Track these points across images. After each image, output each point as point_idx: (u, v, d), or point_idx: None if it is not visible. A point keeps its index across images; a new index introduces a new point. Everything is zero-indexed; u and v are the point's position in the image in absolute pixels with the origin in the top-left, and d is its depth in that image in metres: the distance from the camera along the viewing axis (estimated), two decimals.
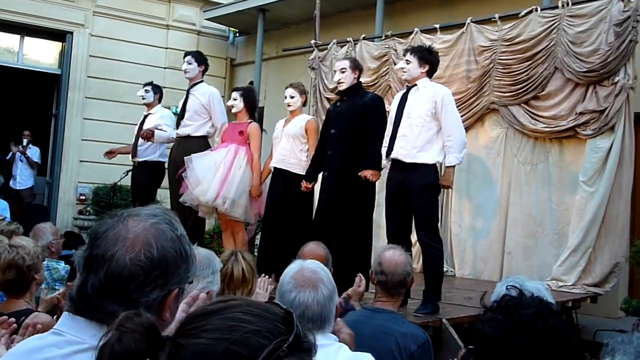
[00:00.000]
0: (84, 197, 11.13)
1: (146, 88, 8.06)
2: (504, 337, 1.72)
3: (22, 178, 11.42)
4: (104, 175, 10.72)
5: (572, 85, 7.10)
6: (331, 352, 2.38)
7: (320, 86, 9.62)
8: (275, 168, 6.37)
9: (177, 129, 7.08)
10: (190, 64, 7.03)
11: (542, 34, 7.26)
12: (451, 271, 7.89)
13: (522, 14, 7.47)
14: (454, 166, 5.14)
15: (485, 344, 1.76)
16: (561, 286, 6.77)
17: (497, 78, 7.66)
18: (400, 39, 8.67)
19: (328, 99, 9.47)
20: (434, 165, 5.12)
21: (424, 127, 5.06)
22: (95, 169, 11.06)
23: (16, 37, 11.22)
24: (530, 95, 7.39)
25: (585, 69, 6.89)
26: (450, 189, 5.08)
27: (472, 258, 7.89)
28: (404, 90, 5.38)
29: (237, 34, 12.73)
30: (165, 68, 11.86)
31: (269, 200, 6.38)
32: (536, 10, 7.36)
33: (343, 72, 5.67)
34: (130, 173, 8.12)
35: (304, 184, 5.94)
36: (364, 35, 9.12)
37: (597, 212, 6.78)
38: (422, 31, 8.43)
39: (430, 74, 5.27)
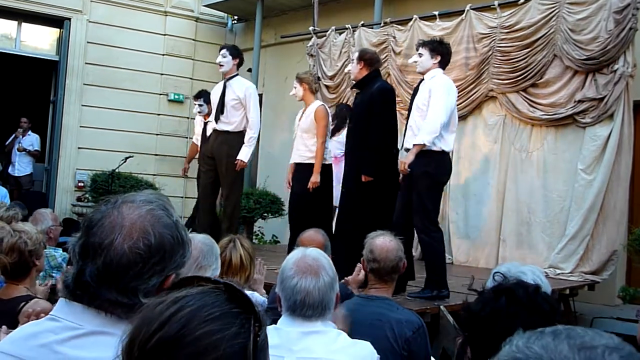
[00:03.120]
0: (82, 184, 11.11)
1: (199, 102, 8.32)
2: (487, 306, 1.76)
3: (21, 165, 11.40)
4: (102, 162, 10.71)
5: (571, 73, 7.10)
6: (330, 338, 2.39)
7: (318, 73, 9.59)
8: (295, 164, 6.60)
9: (216, 121, 7.14)
10: (225, 57, 7.06)
11: (541, 21, 7.24)
12: (449, 258, 7.90)
13: (522, 1, 7.44)
14: (417, 146, 5.04)
15: (472, 318, 1.80)
16: (559, 274, 6.80)
17: (496, 65, 7.65)
18: (399, 26, 8.65)
19: (327, 86, 9.46)
20: (439, 152, 5.10)
21: (422, 116, 5.13)
22: (94, 156, 11.06)
23: (14, 24, 11.16)
24: (529, 82, 7.39)
25: (585, 57, 6.88)
26: (404, 170, 5.07)
27: (470, 245, 7.91)
28: (417, 84, 5.45)
29: (236, 21, 12.68)
30: (163, 55, 11.82)
31: (291, 193, 6.62)
32: None
33: (352, 63, 5.76)
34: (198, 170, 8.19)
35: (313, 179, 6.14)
36: (362, 22, 9.08)
37: (596, 200, 6.80)
38: (421, 18, 8.40)
39: (442, 64, 5.30)
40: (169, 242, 1.41)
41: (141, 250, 1.37)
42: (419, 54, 5.31)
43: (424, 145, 5.01)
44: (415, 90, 5.39)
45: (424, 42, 5.44)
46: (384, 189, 5.44)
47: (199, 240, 2.58)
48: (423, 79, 5.32)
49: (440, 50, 5.27)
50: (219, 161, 7.03)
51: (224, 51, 7.13)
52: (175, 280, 1.43)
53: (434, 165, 5.08)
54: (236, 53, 7.15)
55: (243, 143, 6.96)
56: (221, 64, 7.09)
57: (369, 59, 5.66)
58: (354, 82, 5.81)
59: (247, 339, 0.92)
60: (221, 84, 7.21)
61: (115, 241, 1.37)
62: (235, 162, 6.83)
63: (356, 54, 5.76)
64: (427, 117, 5.06)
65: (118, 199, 1.45)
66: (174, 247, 1.42)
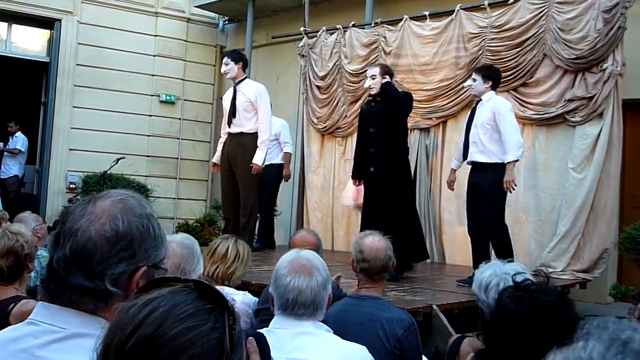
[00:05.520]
0: (73, 186, 11.07)
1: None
2: (525, 322, 1.82)
3: (5, 167, 11.39)
4: (93, 164, 10.69)
5: (561, 72, 7.13)
6: (321, 340, 2.40)
7: (310, 74, 9.60)
8: None
9: (229, 125, 7.25)
10: (227, 64, 7.22)
11: (531, 20, 7.27)
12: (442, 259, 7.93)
13: (511, 0, 7.46)
14: (512, 162, 5.81)
15: (504, 319, 1.81)
16: (551, 272, 6.80)
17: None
18: (389, 27, 8.66)
19: (318, 86, 9.47)
20: (502, 163, 5.82)
21: (487, 134, 5.91)
22: (85, 157, 11.02)
23: (4, 25, 11.11)
24: (519, 82, 7.41)
25: (574, 56, 6.91)
26: (512, 186, 5.88)
27: (463, 244, 7.89)
28: (474, 104, 6.26)
29: (227, 22, 12.67)
30: (154, 56, 11.79)
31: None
32: None
33: (373, 79, 6.12)
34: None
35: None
36: (353, 23, 9.09)
37: (586, 199, 6.82)
38: (411, 18, 8.43)
39: (494, 87, 6.07)
40: (138, 229, 1.40)
41: (107, 234, 1.36)
42: (473, 79, 6.10)
43: (518, 160, 5.93)
44: (473, 110, 6.19)
45: (478, 68, 6.26)
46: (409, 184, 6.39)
47: (177, 244, 2.53)
48: (481, 100, 6.06)
49: (492, 76, 6.08)
50: (234, 164, 7.14)
51: (225, 59, 7.30)
52: (149, 273, 1.42)
53: (501, 174, 5.82)
54: (237, 57, 7.29)
55: (256, 144, 7.10)
56: (226, 72, 7.25)
57: (390, 73, 6.26)
58: (373, 93, 6.18)
59: (223, 333, 0.93)
60: (232, 89, 7.32)
61: (82, 225, 1.37)
62: (251, 165, 6.95)
63: (377, 70, 6.18)
64: (506, 138, 5.81)
65: (96, 195, 1.46)
66: (144, 235, 1.41)
